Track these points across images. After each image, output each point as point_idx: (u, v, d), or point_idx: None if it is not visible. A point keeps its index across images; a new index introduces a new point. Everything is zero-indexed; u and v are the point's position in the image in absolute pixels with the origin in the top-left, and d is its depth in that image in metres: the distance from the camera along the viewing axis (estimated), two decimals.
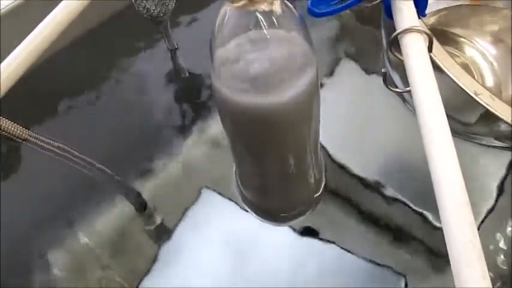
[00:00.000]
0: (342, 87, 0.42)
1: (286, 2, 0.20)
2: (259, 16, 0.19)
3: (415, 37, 0.21)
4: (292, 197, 0.32)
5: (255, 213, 0.34)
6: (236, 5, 0.18)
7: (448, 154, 0.16)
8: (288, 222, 0.35)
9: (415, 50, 0.20)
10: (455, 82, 0.25)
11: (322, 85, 0.41)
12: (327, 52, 0.44)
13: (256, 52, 0.20)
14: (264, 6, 0.18)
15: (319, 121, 0.27)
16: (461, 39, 0.40)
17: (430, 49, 0.22)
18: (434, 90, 0.18)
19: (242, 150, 0.28)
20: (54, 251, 0.36)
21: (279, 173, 0.29)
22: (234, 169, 0.34)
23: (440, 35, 0.39)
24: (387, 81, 0.25)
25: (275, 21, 0.19)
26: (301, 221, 0.35)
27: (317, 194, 0.34)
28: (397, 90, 0.25)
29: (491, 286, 0.15)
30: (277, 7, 0.19)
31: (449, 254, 0.15)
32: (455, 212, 0.15)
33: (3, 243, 0.36)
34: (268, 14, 0.19)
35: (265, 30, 0.19)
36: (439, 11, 0.40)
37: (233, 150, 0.28)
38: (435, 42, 0.23)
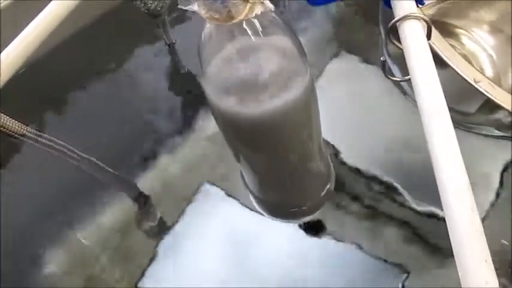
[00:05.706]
0: (341, 80, 0.42)
1: (269, 4, 0.19)
2: (245, 27, 0.19)
3: (413, 24, 0.21)
4: (298, 194, 0.32)
5: (263, 210, 0.34)
6: (215, 23, 0.18)
7: (447, 136, 0.16)
8: (298, 218, 0.34)
9: (414, 36, 0.20)
10: (454, 70, 0.25)
11: (320, 76, 0.41)
12: (325, 46, 0.44)
13: (244, 63, 0.20)
14: (242, 18, 0.18)
15: (319, 121, 0.27)
16: (460, 30, 0.40)
17: (428, 37, 0.22)
18: (433, 75, 0.18)
19: (241, 156, 0.27)
20: (53, 248, 0.36)
21: (279, 175, 0.28)
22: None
23: (439, 26, 0.39)
24: (386, 70, 0.25)
25: (261, 30, 0.19)
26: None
27: (324, 191, 0.33)
28: (396, 78, 0.25)
29: (493, 269, 0.15)
30: (256, 13, 0.18)
31: (450, 238, 0.15)
32: (456, 194, 0.15)
33: (2, 241, 0.35)
34: (252, 25, 0.19)
35: (251, 41, 0.19)
36: (437, 2, 0.40)
37: (233, 154, 0.28)
38: (434, 31, 0.23)
